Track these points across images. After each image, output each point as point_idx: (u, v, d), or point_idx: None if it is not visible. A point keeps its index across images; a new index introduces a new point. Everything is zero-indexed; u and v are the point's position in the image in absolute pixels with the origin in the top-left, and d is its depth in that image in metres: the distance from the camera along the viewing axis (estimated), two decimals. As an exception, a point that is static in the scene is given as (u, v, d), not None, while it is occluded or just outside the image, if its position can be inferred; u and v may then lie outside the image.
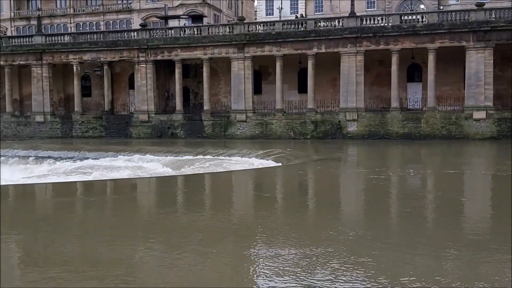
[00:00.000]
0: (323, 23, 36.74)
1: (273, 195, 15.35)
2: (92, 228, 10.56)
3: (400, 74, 35.87)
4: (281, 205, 13.60)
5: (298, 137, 36.65)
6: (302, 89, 38.97)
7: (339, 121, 36.05)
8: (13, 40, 44.07)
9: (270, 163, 22.34)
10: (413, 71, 38.24)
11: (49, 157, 28.34)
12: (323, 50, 36.11)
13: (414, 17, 35.51)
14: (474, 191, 15.73)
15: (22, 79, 45.86)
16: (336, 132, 36.01)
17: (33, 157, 28.77)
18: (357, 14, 37.03)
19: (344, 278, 6.90)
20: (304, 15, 55.86)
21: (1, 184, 20.30)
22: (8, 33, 57.55)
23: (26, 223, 11.24)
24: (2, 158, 30.46)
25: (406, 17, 35.46)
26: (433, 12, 36.34)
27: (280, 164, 22.05)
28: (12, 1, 60.67)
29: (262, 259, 7.84)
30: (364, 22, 35.59)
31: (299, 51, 36.76)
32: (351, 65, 35.63)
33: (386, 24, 35.10)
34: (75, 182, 18.90)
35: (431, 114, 34.77)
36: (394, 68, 35.18)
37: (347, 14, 36.98)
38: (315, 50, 36.19)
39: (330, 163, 23.00)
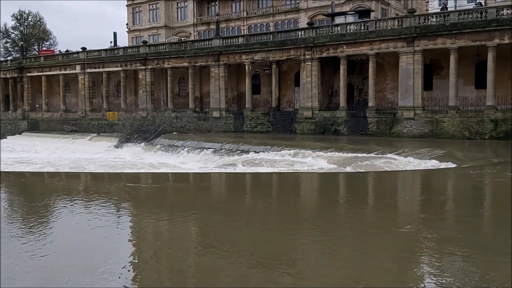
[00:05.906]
0: (507, 10, 32.77)
1: (443, 198, 14.29)
2: (258, 217, 11.20)
3: None
4: (450, 210, 12.60)
5: (474, 137, 33.45)
6: (480, 84, 35.40)
7: (525, 120, 31.86)
8: (196, 44, 48.96)
9: (442, 164, 20.84)
10: None
11: (223, 149, 30.81)
12: (507, 41, 32.23)
13: None
14: None
15: (202, 78, 50.78)
16: (521, 133, 31.88)
17: (211, 149, 31.55)
18: (552, -3, 32.25)
19: None
20: (482, 4, 50.69)
21: (182, 171, 22.82)
22: (191, 37, 64.16)
23: (202, 208, 12.44)
24: (181, 148, 34.12)
25: None
26: None
27: (453, 165, 20.43)
28: (195, 9, 67.46)
29: (424, 264, 7.40)
30: (561, 6, 30.81)
31: (477, 43, 33.41)
32: (542, 56, 31.16)
33: None
34: (243, 173, 20.27)
35: None
36: None
37: (538, -2, 32.47)
38: (496, 41, 32.50)
39: (513, 167, 20.44)
